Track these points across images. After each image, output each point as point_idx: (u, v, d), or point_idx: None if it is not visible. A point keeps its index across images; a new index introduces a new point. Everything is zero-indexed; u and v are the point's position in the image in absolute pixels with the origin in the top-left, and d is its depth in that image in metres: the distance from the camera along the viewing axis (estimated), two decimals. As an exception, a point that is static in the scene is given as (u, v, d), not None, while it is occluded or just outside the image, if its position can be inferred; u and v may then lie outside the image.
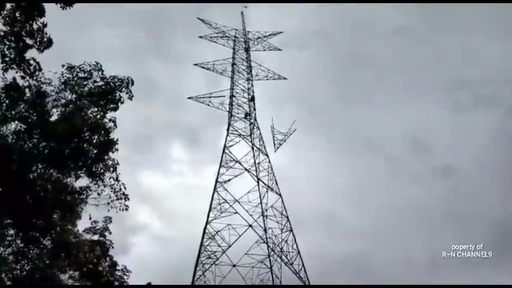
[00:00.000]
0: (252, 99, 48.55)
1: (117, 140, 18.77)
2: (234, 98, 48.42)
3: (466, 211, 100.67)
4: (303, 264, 37.99)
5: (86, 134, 18.61)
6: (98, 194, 19.61)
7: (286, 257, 38.04)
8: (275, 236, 39.57)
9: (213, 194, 40.21)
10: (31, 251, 21.47)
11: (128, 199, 19.12)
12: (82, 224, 27.62)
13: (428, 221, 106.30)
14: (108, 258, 30.77)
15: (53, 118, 18.66)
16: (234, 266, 37.97)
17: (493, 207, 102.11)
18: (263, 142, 46.08)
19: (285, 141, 47.37)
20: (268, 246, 39.49)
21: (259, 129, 47.08)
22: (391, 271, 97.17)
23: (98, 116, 18.99)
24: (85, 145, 18.43)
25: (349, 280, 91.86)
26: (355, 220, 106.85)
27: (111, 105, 19.16)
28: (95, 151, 18.56)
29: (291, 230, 39.89)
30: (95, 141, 18.55)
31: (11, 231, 19.71)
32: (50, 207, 17.80)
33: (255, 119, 48.01)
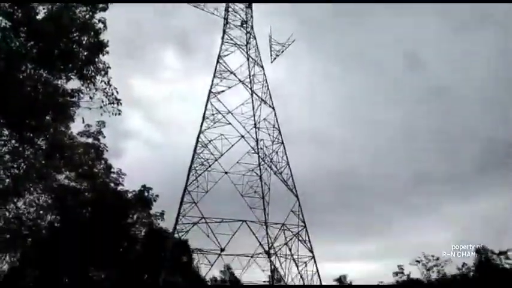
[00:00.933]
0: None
1: (108, 42, 18.06)
2: (230, 3, 45.98)
3: (455, 132, 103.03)
4: (291, 174, 39.53)
5: (75, 35, 17.84)
6: (90, 98, 19.39)
7: (276, 167, 39.36)
8: (266, 147, 40.52)
9: (206, 104, 40.19)
10: (26, 151, 21.81)
11: (121, 104, 18.97)
12: (76, 127, 27.93)
13: (417, 140, 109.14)
14: (102, 161, 31.71)
15: (40, 16, 17.72)
16: (226, 173, 39.40)
17: (482, 129, 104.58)
18: (259, 53, 44.88)
19: (282, 51, 46.03)
20: (259, 156, 40.68)
21: (255, 39, 45.50)
22: (376, 186, 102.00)
23: (87, 16, 18.04)
24: (74, 46, 17.76)
25: (334, 191, 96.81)
26: (345, 136, 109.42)
27: (100, 5, 18.12)
28: (85, 53, 17.95)
29: (282, 142, 40.80)
30: (84, 42, 17.84)
31: (6, 132, 19.84)
32: (41, 107, 17.66)
33: (252, 28, 46.15)
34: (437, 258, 49.02)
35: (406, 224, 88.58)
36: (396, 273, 49.29)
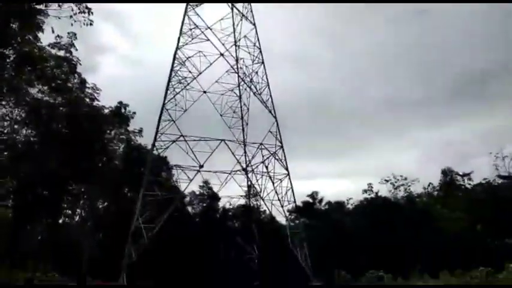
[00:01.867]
0: None
1: None
2: None
3: (432, 59, 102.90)
4: (270, 95, 39.32)
5: None
6: (59, 6, 18.20)
7: (256, 88, 38.99)
8: (246, 66, 39.68)
9: (183, 19, 38.21)
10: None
11: (91, 13, 17.90)
12: (46, 39, 26.46)
13: (393, 65, 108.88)
14: (76, 75, 30.65)
15: None
16: (205, 92, 38.91)
17: (457, 57, 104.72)
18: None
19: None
20: (238, 76, 40.02)
21: None
22: (350, 109, 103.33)
23: None
24: None
25: (310, 113, 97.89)
26: (324, 59, 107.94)
27: None
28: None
29: (263, 62, 39.92)
30: None
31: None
32: (4, 14, 16.49)
33: None
34: (405, 178, 51.87)
35: (377, 146, 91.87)
36: (365, 191, 52.20)
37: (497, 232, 33.96)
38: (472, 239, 39.16)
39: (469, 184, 50.87)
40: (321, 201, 56.62)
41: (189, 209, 52.26)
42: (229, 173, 39.66)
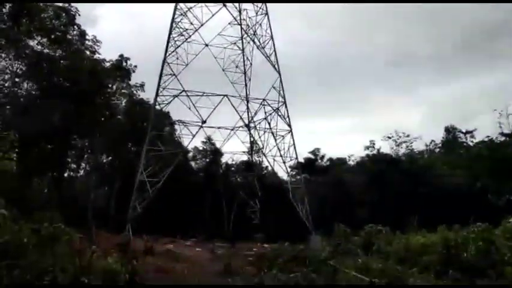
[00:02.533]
0: None
1: None
2: None
3: (442, 15, 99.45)
4: (274, 49, 38.46)
5: None
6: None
7: (259, 41, 38.06)
8: (249, 18, 38.54)
9: (184, -34, 36.65)
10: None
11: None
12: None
13: (402, 20, 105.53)
14: (76, 27, 29.87)
15: None
16: (207, 45, 38.14)
17: (469, 13, 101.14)
18: None
19: None
20: (241, 28, 39.03)
21: None
22: (357, 65, 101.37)
23: None
24: None
25: (315, 68, 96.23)
26: (332, 13, 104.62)
27: None
28: None
29: (267, 14, 38.71)
30: None
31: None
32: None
33: None
34: (408, 135, 51.76)
35: (382, 103, 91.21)
36: (367, 147, 52.31)
37: (498, 189, 34.23)
38: (471, 196, 39.66)
39: (471, 142, 50.86)
40: (322, 157, 57.00)
41: (192, 164, 52.84)
42: (232, 129, 39.72)
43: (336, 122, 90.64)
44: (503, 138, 46.19)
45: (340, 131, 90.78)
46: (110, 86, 34.32)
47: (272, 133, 37.99)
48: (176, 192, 42.24)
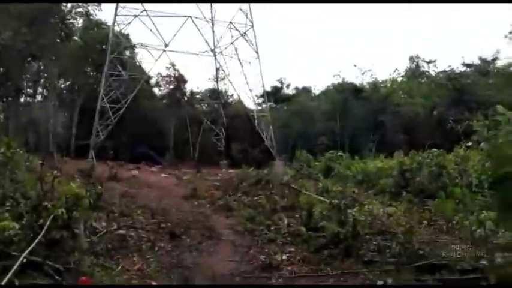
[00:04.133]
0: None
1: None
2: None
3: None
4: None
5: None
6: None
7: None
8: None
9: None
10: None
11: None
12: None
13: None
14: None
15: None
16: (168, -39, 35.28)
17: None
18: None
19: None
20: None
21: None
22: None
23: None
24: None
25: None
26: None
27: None
28: None
29: None
30: None
31: None
32: None
33: None
34: (373, 64, 52.28)
35: (354, 32, 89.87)
36: (334, 76, 52.51)
37: (455, 117, 35.74)
38: (429, 123, 41.45)
39: (434, 71, 52.01)
40: (288, 86, 57.00)
41: (156, 90, 51.48)
42: (197, 54, 38.45)
43: (304, 51, 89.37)
44: (464, 68, 47.60)
45: (308, 60, 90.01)
46: (64, 4, 31.66)
47: (238, 59, 37.13)
48: (139, 119, 41.50)
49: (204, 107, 52.85)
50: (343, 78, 51.03)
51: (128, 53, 41.92)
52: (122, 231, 9.06)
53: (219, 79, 46.69)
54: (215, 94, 49.46)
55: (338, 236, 7.66)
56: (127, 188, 17.94)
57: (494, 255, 5.63)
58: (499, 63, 43.27)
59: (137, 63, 42.60)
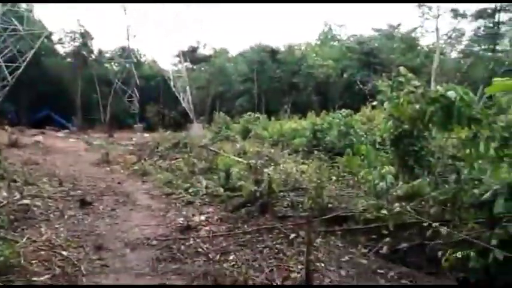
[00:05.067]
0: None
1: None
2: None
3: None
4: None
5: None
6: None
7: None
8: None
9: None
10: None
11: None
12: None
13: None
14: None
15: None
16: None
17: None
18: None
19: None
20: None
21: None
22: None
23: None
24: None
25: None
26: None
27: None
28: None
29: None
30: None
31: None
32: None
33: None
34: (289, 27, 52.69)
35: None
36: (251, 38, 52.50)
37: (363, 79, 37.94)
38: (340, 85, 43.66)
39: (345, 35, 54.40)
40: (205, 46, 55.65)
41: (59, 47, 47.03)
42: (104, 8, 35.50)
43: (222, 11, 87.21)
44: (373, 33, 50.34)
45: (227, 21, 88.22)
46: None
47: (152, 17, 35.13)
48: (41, 79, 37.83)
49: (114, 67, 49.77)
50: (260, 41, 51.21)
51: (24, 5, 37.35)
52: (26, 201, 8.33)
53: (130, 36, 44.04)
54: (126, 53, 46.65)
55: (255, 195, 7.88)
56: (30, 155, 16.51)
57: (393, 205, 6.19)
58: (403, 29, 46.51)
59: (36, 18, 38.29)
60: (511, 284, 4.37)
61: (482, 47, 40.52)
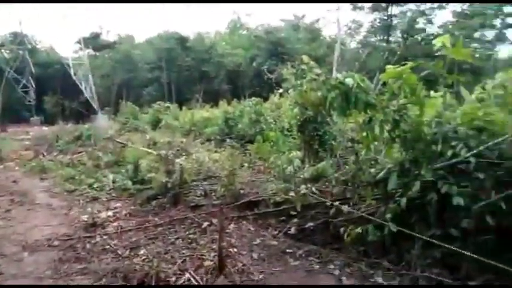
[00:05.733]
0: None
1: None
2: None
3: None
4: None
5: None
6: None
7: None
8: None
9: None
10: None
11: None
12: None
13: None
14: None
15: None
16: None
17: None
18: None
19: None
20: None
21: None
22: None
23: None
24: None
25: None
26: None
27: None
28: None
29: None
30: None
31: None
32: None
33: None
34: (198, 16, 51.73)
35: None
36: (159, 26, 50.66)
37: (271, 68, 38.85)
38: (249, 73, 44.31)
39: (254, 24, 55.25)
40: (108, 32, 52.52)
41: None
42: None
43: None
44: (280, 23, 51.80)
45: (133, 7, 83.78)
46: None
47: None
48: None
49: (5, 54, 44.73)
50: (168, 28, 49.82)
51: None
52: None
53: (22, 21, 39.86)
54: (19, 39, 42.16)
55: (166, 186, 7.71)
56: None
57: (300, 187, 6.49)
58: (307, 20, 48.63)
59: None
60: (402, 254, 4.84)
61: (378, 38, 44.12)
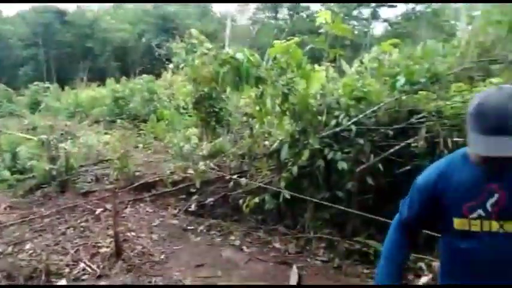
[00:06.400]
0: None
1: None
2: None
3: None
4: None
5: None
6: None
7: None
8: None
9: None
10: None
11: None
12: None
13: None
14: None
15: None
16: None
17: None
18: None
19: None
20: None
21: None
22: None
23: None
24: None
25: None
26: None
27: None
28: None
29: None
30: None
31: None
32: None
33: None
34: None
35: None
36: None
37: (161, 43, 37.45)
38: (138, 50, 42.15)
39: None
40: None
41: None
42: None
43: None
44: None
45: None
46: None
47: None
48: None
49: None
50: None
51: None
52: None
53: None
54: None
55: (50, 174, 7.06)
56: None
57: (199, 164, 6.48)
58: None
59: None
60: (296, 218, 5.18)
61: (267, 14, 45.24)
